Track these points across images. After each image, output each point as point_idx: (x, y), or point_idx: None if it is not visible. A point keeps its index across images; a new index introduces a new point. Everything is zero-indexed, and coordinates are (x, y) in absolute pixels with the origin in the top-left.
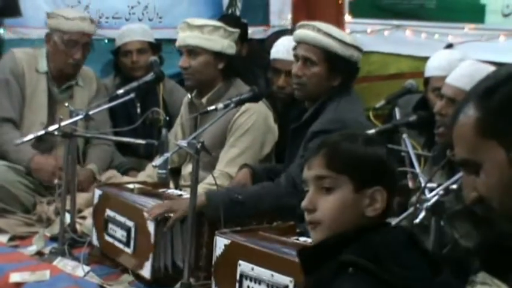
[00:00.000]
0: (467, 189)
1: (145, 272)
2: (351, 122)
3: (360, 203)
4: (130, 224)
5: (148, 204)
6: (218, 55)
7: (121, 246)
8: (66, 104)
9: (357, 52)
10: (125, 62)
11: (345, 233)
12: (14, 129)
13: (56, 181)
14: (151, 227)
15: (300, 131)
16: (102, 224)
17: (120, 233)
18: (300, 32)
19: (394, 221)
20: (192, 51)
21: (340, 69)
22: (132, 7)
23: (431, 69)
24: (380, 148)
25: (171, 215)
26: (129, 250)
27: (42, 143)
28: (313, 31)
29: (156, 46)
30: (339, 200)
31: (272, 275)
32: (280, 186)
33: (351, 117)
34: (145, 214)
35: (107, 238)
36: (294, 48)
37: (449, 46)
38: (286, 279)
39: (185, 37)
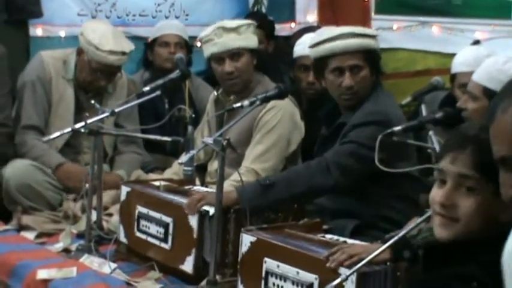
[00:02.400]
0: (506, 187)
1: (187, 266)
2: (392, 115)
3: (496, 207)
4: (167, 219)
5: (185, 200)
6: (254, 52)
7: (156, 242)
8: (93, 101)
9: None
10: (161, 52)
11: (477, 242)
12: (40, 136)
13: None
14: (193, 221)
15: (338, 131)
16: (131, 220)
17: (154, 229)
18: (338, 44)
19: (418, 220)
20: (235, 54)
21: (376, 62)
22: (159, 4)
23: (458, 65)
24: None
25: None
26: (166, 246)
27: (69, 148)
28: (350, 38)
29: (189, 46)
30: (479, 203)
31: (297, 272)
32: (310, 167)
33: (391, 110)
34: (185, 209)
35: (138, 234)
36: (320, 64)
37: (476, 42)
38: (311, 277)
39: (225, 42)
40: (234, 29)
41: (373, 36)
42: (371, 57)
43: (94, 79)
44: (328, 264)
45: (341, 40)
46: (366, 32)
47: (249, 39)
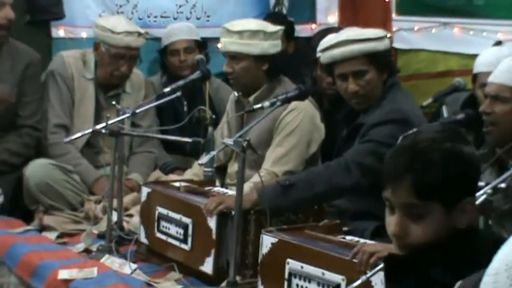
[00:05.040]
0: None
1: (207, 267)
2: (411, 114)
3: (451, 220)
4: (187, 221)
5: (204, 201)
6: (260, 58)
7: (176, 243)
8: (114, 103)
9: (388, 39)
10: (173, 61)
11: (436, 248)
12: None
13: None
14: (212, 223)
15: (357, 132)
16: (152, 221)
17: (174, 230)
18: (337, 52)
19: None
20: (234, 56)
21: (385, 63)
22: (180, 6)
23: (479, 65)
24: (466, 156)
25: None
26: (186, 247)
27: (89, 148)
28: (348, 45)
29: (201, 44)
30: (431, 226)
31: (323, 273)
32: (330, 167)
33: (410, 109)
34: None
35: (159, 235)
36: (330, 70)
37: (498, 43)
38: (338, 278)
39: (225, 43)
40: (238, 33)
41: (377, 39)
42: (376, 59)
43: (115, 68)
44: (357, 268)
45: (339, 48)
46: (366, 36)
47: (252, 45)
